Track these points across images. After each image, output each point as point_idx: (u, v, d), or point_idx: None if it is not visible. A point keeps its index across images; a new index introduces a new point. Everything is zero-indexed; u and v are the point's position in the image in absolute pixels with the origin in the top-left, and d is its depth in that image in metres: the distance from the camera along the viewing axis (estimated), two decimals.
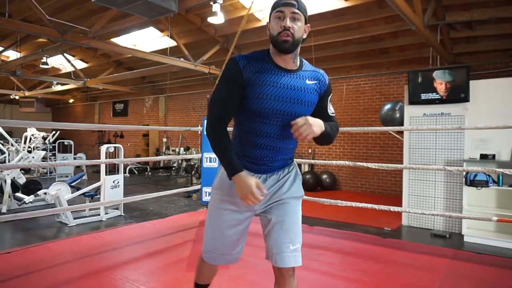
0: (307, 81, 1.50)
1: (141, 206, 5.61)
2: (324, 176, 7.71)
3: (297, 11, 1.40)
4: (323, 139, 1.50)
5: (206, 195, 5.05)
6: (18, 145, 7.11)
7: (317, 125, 1.39)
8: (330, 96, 1.59)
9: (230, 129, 1.51)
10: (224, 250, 1.63)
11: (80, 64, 10.32)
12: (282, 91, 1.44)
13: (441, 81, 4.36)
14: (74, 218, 4.50)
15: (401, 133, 5.22)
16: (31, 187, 5.43)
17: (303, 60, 1.56)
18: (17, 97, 13.29)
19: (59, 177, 8.53)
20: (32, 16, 6.65)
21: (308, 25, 1.47)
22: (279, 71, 1.46)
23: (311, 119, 1.38)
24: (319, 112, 1.54)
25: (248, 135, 1.51)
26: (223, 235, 1.60)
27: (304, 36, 1.46)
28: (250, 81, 1.43)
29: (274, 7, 1.44)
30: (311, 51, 6.68)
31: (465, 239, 4.01)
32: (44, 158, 8.71)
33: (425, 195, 4.54)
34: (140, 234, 3.89)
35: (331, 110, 1.58)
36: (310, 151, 8.39)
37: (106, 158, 5.12)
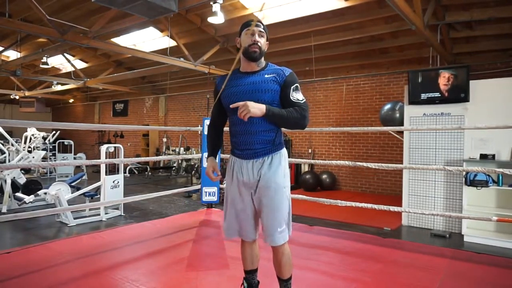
0: (266, 75, 1.89)
1: (141, 206, 5.61)
2: (324, 176, 7.71)
3: (262, 30, 1.91)
4: (276, 120, 1.83)
5: (206, 195, 5.06)
6: (18, 145, 7.11)
7: (256, 107, 1.74)
8: (293, 86, 1.87)
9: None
10: (232, 223, 2.01)
11: (80, 64, 10.32)
12: (243, 87, 1.89)
13: (445, 74, 4.34)
14: (74, 218, 4.51)
15: (401, 133, 5.22)
16: (31, 187, 5.43)
17: (271, 64, 1.96)
18: (17, 97, 13.28)
19: (59, 177, 8.53)
20: (32, 16, 6.65)
21: (268, 42, 1.96)
22: (243, 75, 1.93)
23: (250, 103, 1.73)
24: (284, 98, 1.88)
25: (231, 127, 1.99)
26: (230, 207, 2.01)
27: (265, 49, 1.94)
28: (222, 88, 1.96)
29: (245, 26, 1.93)
30: (311, 51, 6.69)
31: (465, 239, 4.01)
32: (44, 158, 8.71)
33: (425, 195, 4.54)
34: (140, 234, 3.90)
35: (295, 97, 1.86)
36: (310, 151, 8.39)
37: (106, 158, 5.12)
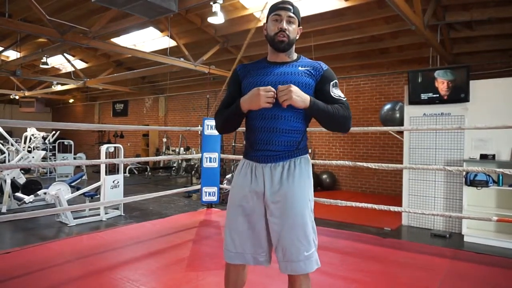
0: (300, 68, 1.60)
1: (141, 206, 5.61)
2: (324, 176, 7.71)
3: (292, 15, 1.58)
4: (320, 116, 1.53)
5: (206, 195, 5.05)
6: (18, 145, 7.11)
7: (299, 95, 1.46)
8: (332, 82, 1.60)
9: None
10: (236, 245, 1.60)
11: (80, 64, 10.32)
12: (271, 77, 1.59)
13: (442, 80, 4.36)
14: (74, 218, 4.50)
15: (401, 133, 5.22)
16: (31, 187, 5.43)
17: (303, 57, 1.68)
18: (17, 97, 13.29)
19: (59, 177, 8.53)
20: (32, 16, 6.65)
21: (301, 27, 1.65)
22: (271, 65, 1.63)
23: (294, 88, 1.46)
24: (322, 95, 1.58)
25: (249, 121, 1.63)
26: (236, 223, 1.60)
27: (297, 37, 1.63)
28: (244, 76, 1.66)
29: (271, 10, 1.62)
30: (311, 51, 6.68)
31: (465, 239, 4.01)
32: (44, 158, 8.71)
33: (425, 195, 4.54)
34: (140, 234, 3.89)
35: (336, 93, 1.58)
36: (310, 151, 8.37)
37: (106, 158, 5.12)
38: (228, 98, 1.68)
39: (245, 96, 1.54)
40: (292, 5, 1.59)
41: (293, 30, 1.58)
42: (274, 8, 1.60)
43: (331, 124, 1.56)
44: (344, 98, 1.58)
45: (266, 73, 1.60)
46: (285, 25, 1.56)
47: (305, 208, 1.54)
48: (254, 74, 1.62)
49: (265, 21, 1.66)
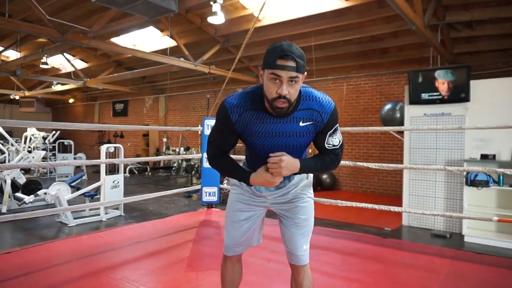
0: (301, 123, 1.46)
1: (141, 206, 5.60)
2: (324, 176, 7.71)
3: (295, 74, 1.30)
4: (307, 172, 1.59)
5: (206, 195, 5.05)
6: (18, 145, 7.11)
7: (290, 169, 1.45)
8: (331, 131, 1.51)
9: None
10: (239, 239, 1.72)
11: (80, 64, 10.32)
12: (273, 140, 1.48)
13: (443, 81, 4.36)
14: (74, 218, 4.50)
15: (401, 133, 5.21)
16: (31, 187, 5.42)
17: (302, 92, 1.45)
18: (17, 97, 13.29)
19: (59, 177, 8.52)
20: (32, 16, 6.65)
21: (305, 73, 1.37)
22: (270, 118, 1.45)
23: (286, 161, 1.43)
24: (317, 142, 1.55)
25: (253, 157, 1.60)
26: (240, 220, 1.70)
27: (300, 86, 1.40)
28: (242, 130, 1.50)
29: (270, 63, 1.31)
30: (311, 51, 6.68)
31: (466, 239, 4.00)
32: (44, 158, 8.71)
33: (426, 195, 4.54)
34: (140, 234, 3.89)
35: (331, 143, 1.52)
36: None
37: (106, 158, 5.11)
38: (221, 140, 1.55)
39: (256, 177, 1.50)
40: (296, 59, 1.28)
41: (295, 91, 1.34)
42: (272, 63, 1.30)
43: (316, 173, 1.64)
44: (338, 145, 1.53)
45: (269, 134, 1.47)
46: (285, 90, 1.30)
47: (310, 207, 1.69)
48: (256, 132, 1.47)
49: (260, 67, 1.40)
